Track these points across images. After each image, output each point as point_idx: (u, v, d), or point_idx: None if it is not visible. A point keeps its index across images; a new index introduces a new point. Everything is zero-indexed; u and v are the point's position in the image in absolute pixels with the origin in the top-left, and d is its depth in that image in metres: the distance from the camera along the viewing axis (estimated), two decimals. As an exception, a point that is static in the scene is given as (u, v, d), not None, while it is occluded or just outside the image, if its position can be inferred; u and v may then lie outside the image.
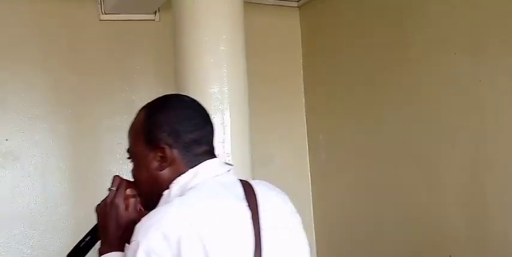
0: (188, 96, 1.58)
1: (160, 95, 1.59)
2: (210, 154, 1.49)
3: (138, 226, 1.33)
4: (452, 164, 3.61)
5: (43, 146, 4.18)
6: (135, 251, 1.29)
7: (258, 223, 1.37)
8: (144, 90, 4.37)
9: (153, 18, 4.43)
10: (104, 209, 1.52)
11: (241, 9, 3.26)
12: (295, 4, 4.84)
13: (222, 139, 2.91)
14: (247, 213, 1.38)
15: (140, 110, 1.55)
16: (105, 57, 4.35)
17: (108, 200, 1.51)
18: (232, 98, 3.02)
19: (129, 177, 1.54)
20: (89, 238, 1.59)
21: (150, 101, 1.58)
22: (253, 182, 1.50)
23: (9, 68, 4.14)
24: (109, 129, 4.28)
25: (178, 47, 3.21)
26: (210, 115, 1.54)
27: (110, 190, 1.53)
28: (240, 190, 1.44)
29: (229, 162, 1.57)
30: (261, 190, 1.48)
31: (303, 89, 4.86)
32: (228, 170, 1.50)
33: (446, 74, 3.53)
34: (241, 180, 1.51)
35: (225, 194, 1.41)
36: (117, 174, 1.57)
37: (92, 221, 4.67)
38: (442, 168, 3.67)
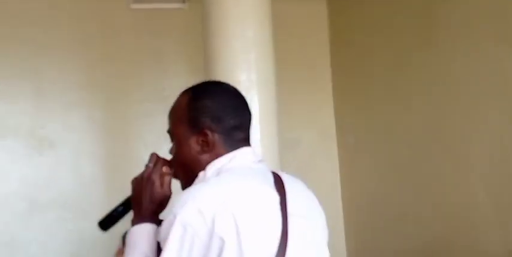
0: (229, 84, 1.63)
1: (202, 81, 1.65)
2: (247, 140, 1.56)
3: (175, 200, 1.40)
4: (481, 147, 3.60)
5: (78, 133, 4.29)
6: (172, 223, 1.35)
7: (286, 208, 1.42)
8: (174, 78, 4.43)
9: (183, 7, 4.48)
10: (139, 183, 1.58)
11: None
12: (322, -12, 4.84)
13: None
14: (276, 198, 1.43)
15: (182, 94, 1.59)
16: (135, 45, 4.42)
17: (145, 175, 1.57)
18: (261, 85, 3.06)
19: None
20: (121, 208, 1.66)
21: (192, 85, 1.62)
22: (281, 173, 1.55)
23: (44, 56, 4.25)
24: (139, 116, 4.35)
25: (207, 35, 3.26)
26: (248, 103, 1.60)
27: (147, 166, 1.59)
28: (270, 177, 1.50)
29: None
30: (288, 180, 1.53)
31: (330, 73, 4.86)
32: (260, 160, 1.56)
33: (476, 55, 3.53)
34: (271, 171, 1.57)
35: (256, 178, 1.47)
36: (154, 152, 1.63)
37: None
38: (471, 151, 3.67)
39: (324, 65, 4.86)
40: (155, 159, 1.60)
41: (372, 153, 4.53)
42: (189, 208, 1.35)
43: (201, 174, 1.49)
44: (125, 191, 1.68)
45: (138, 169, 1.61)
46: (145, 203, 1.55)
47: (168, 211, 1.41)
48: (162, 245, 1.38)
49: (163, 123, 1.57)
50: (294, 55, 4.62)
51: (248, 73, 3.04)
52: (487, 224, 3.60)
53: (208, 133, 1.50)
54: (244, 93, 2.93)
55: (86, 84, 4.31)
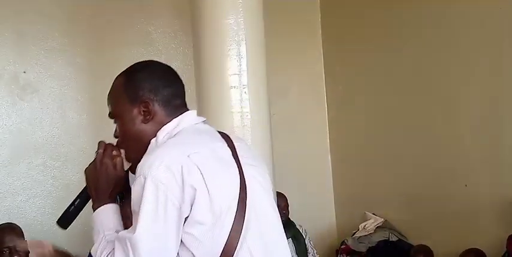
0: (157, 61, 1.77)
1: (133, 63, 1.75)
2: (185, 106, 1.67)
3: (140, 165, 1.51)
4: (469, 96, 3.61)
5: (61, 78, 4.19)
6: (143, 184, 1.47)
7: (238, 159, 1.59)
8: (160, 21, 4.32)
9: (169, -50, 4.35)
10: (93, 170, 1.67)
11: None
12: None
13: (238, 71, 2.90)
14: (229, 151, 1.60)
15: (118, 76, 1.72)
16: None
17: (97, 160, 1.66)
18: (248, 30, 3.00)
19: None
20: (78, 201, 1.70)
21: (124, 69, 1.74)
22: (227, 133, 1.71)
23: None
24: (125, 61, 4.28)
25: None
26: (178, 74, 1.71)
27: (97, 153, 1.67)
28: (217, 135, 1.66)
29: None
30: (234, 137, 1.69)
31: (319, 19, 4.80)
32: (203, 121, 1.69)
33: (468, 4, 3.51)
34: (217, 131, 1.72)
35: (207, 136, 1.64)
36: (101, 140, 1.72)
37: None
38: (459, 99, 3.68)
39: (314, 13, 4.79)
40: (103, 145, 1.69)
41: (362, 100, 4.51)
42: (157, 167, 1.47)
43: (153, 141, 1.60)
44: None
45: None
46: (102, 186, 1.64)
47: (137, 173, 1.50)
48: (134, 207, 1.49)
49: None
50: (283, 2, 4.51)
51: (236, 16, 2.96)
52: (475, 172, 3.63)
53: (149, 101, 1.61)
54: (232, 36, 2.86)
55: (68, 30, 4.20)
